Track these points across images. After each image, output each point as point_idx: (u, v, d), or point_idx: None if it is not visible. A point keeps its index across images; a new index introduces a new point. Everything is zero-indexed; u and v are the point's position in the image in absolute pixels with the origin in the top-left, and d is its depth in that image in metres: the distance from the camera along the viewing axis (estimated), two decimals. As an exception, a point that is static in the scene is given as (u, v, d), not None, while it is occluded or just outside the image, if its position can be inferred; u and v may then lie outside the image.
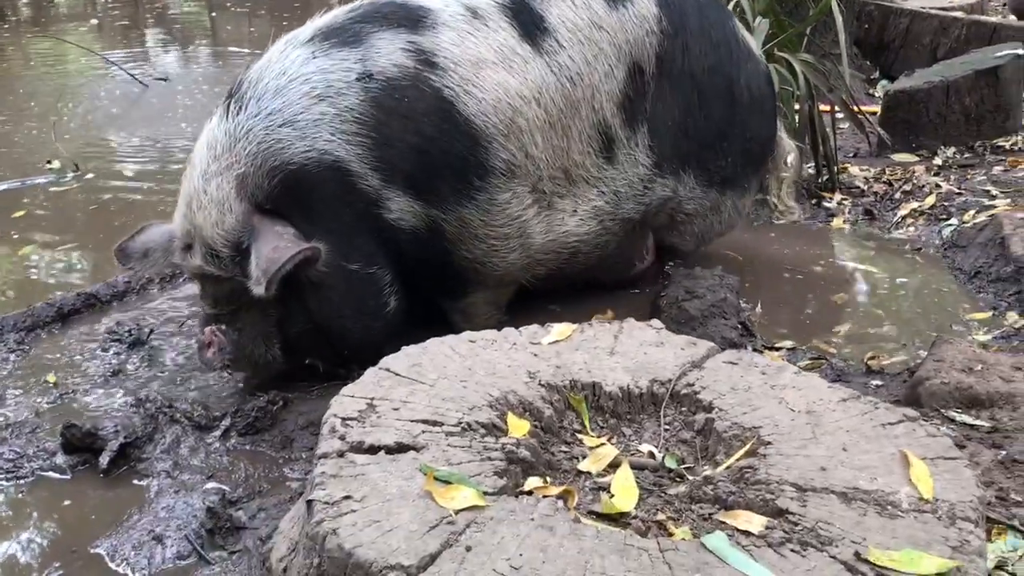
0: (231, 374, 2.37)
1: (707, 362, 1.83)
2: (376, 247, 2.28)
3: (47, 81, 6.16)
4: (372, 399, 1.65)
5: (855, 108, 3.56)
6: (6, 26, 8.45)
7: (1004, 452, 1.86)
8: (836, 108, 3.50)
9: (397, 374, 1.74)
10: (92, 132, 4.88)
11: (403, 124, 2.23)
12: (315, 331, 2.29)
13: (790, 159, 2.97)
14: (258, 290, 2.09)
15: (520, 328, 1.95)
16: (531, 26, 2.39)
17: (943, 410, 2.03)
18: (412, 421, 1.59)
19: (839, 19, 3.32)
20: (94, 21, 8.61)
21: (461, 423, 1.59)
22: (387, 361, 1.80)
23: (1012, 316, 2.61)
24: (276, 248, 2.10)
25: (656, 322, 2.02)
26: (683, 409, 1.73)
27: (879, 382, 2.25)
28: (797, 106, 3.37)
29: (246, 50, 6.81)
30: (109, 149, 4.58)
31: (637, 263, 2.83)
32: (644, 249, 2.83)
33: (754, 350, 2.48)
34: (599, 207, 2.55)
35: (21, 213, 3.70)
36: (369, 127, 2.19)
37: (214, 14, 9.36)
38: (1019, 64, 3.92)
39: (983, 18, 4.99)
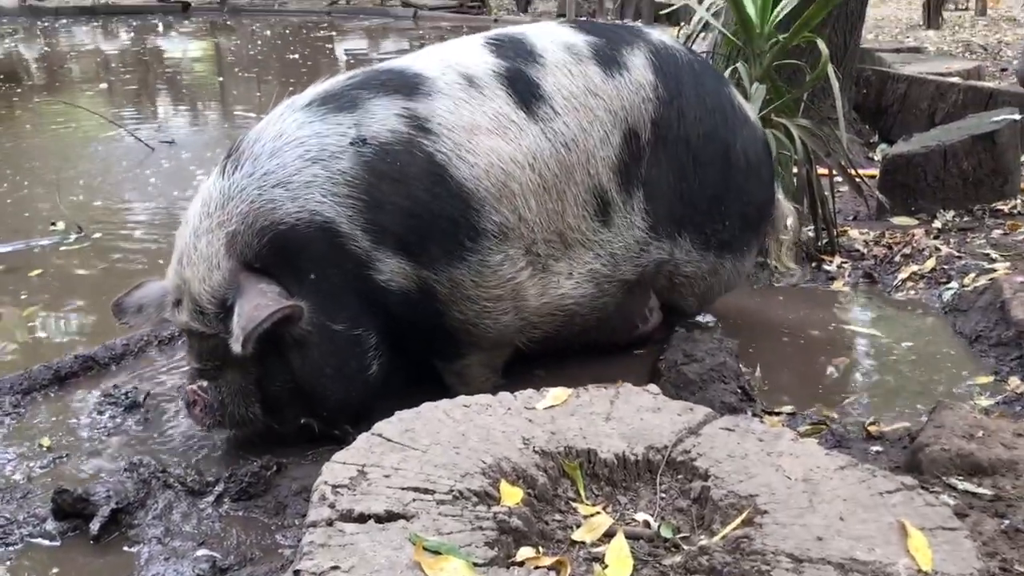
0: (215, 432, 2.37)
1: (704, 428, 1.82)
2: (362, 309, 2.30)
3: (55, 143, 6.24)
4: (363, 466, 1.64)
5: (853, 172, 3.58)
6: (19, 89, 8.59)
7: (1007, 521, 1.83)
8: (834, 172, 3.52)
9: (389, 440, 1.73)
10: (98, 194, 4.92)
11: (394, 187, 2.26)
12: (296, 391, 2.29)
13: (789, 222, 2.99)
14: (236, 347, 2.11)
15: (516, 392, 1.94)
16: (527, 94, 2.44)
17: (944, 477, 2.00)
18: (403, 489, 1.57)
19: (835, 85, 3.36)
20: (104, 85, 8.76)
21: (453, 491, 1.57)
22: (380, 426, 1.78)
23: (1014, 381, 2.59)
24: (257, 306, 2.12)
25: (653, 387, 2.01)
26: (679, 477, 1.71)
27: (879, 448, 2.22)
28: (796, 170, 3.39)
29: (252, 114, 6.90)
30: (114, 211, 4.62)
31: (639, 325, 2.82)
32: (646, 311, 2.82)
33: (754, 415, 2.46)
34: (595, 270, 2.57)
35: (28, 274, 3.72)
36: (360, 190, 2.23)
37: (222, 78, 9.53)
38: (1015, 128, 3.95)
39: (980, 83, 5.05)
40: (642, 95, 2.56)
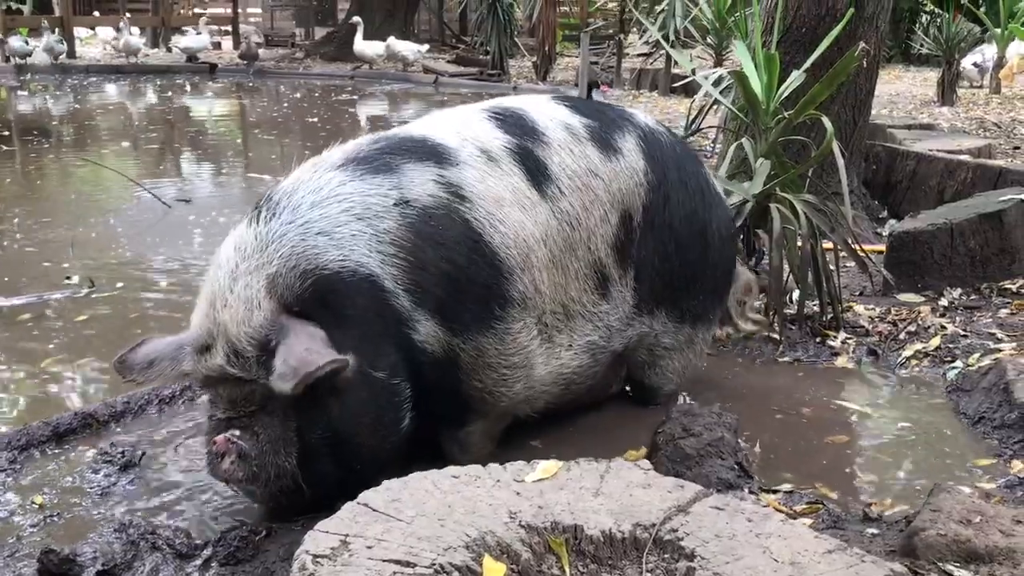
0: (235, 489, 2.30)
1: (694, 506, 1.80)
2: (399, 361, 2.29)
3: (75, 199, 6.35)
4: (347, 535, 1.63)
5: (857, 248, 3.59)
6: (46, 145, 8.77)
7: (1003, 612, 1.79)
8: (839, 248, 3.53)
9: (375, 509, 1.72)
10: (113, 250, 5.00)
11: (437, 251, 2.30)
12: (332, 442, 2.23)
13: (743, 281, 3.19)
14: (284, 386, 2.05)
15: (506, 464, 1.94)
16: (536, 172, 2.53)
17: (940, 563, 1.96)
18: (384, 561, 1.56)
19: (840, 161, 3.38)
20: (126, 143, 8.94)
21: (434, 565, 1.56)
22: (366, 495, 1.78)
23: (1017, 464, 2.56)
24: (310, 350, 2.08)
25: (645, 462, 2.00)
26: (666, 556, 1.69)
27: (875, 530, 2.19)
28: (800, 244, 3.40)
29: (267, 176, 7.02)
30: (128, 266, 4.68)
31: (613, 385, 2.99)
32: (620, 374, 2.97)
33: (750, 492, 2.43)
34: (593, 341, 2.66)
35: (41, 327, 3.76)
36: (406, 250, 2.26)
37: (241, 139, 9.71)
38: (1023, 208, 3.95)
39: (989, 162, 5.07)
40: (635, 180, 2.68)
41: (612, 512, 1.76)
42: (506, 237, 2.39)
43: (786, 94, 3.47)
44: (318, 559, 1.55)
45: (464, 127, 2.54)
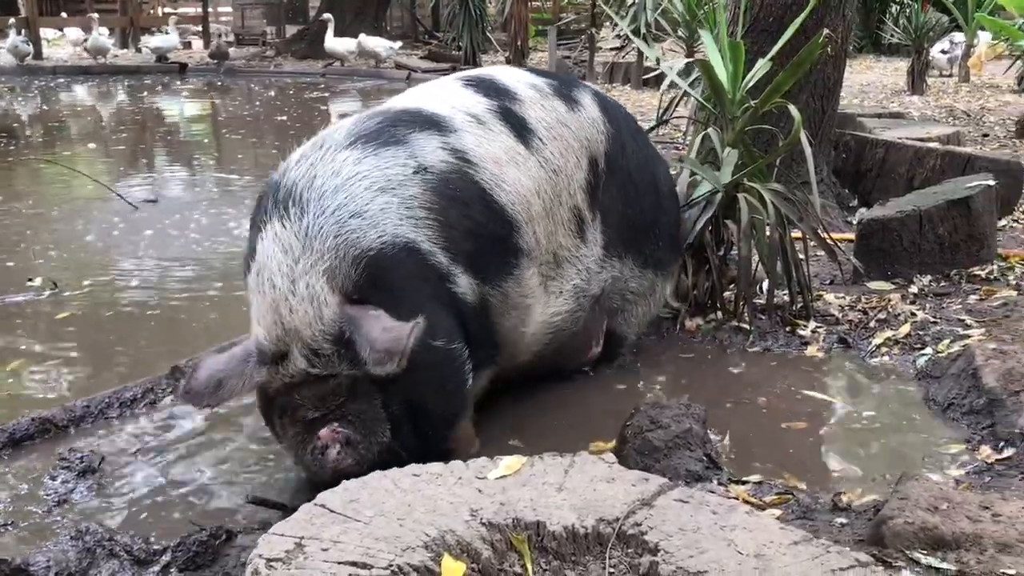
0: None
1: (658, 499, 1.77)
2: (452, 324, 2.37)
3: (39, 200, 6.24)
4: (302, 538, 1.59)
5: (826, 236, 3.58)
6: (11, 146, 8.63)
7: (970, 598, 1.78)
8: (808, 237, 3.51)
9: (332, 511, 1.68)
10: (77, 251, 4.92)
11: (459, 210, 2.42)
12: (409, 409, 2.29)
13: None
14: (386, 369, 2.09)
15: (468, 461, 1.90)
16: (520, 128, 2.69)
17: (908, 551, 1.94)
18: (340, 563, 1.52)
19: (808, 150, 3.36)
20: (92, 145, 8.81)
21: (392, 566, 1.52)
22: (324, 496, 1.74)
23: (985, 450, 2.55)
24: (387, 329, 2.12)
25: (609, 456, 1.97)
26: (629, 551, 1.66)
27: (844, 520, 2.17)
28: (768, 233, 3.38)
29: (235, 176, 6.94)
30: (92, 267, 4.60)
31: (594, 347, 3.08)
32: (600, 333, 3.08)
33: (719, 483, 2.41)
34: (577, 285, 2.85)
35: (5, 329, 3.68)
36: (434, 212, 2.35)
37: (206, 140, 9.60)
38: (991, 194, 3.96)
39: (957, 149, 5.08)
40: (597, 128, 2.92)
41: (575, 507, 1.73)
42: (510, 194, 2.56)
43: (752, 83, 3.44)
44: (271, 563, 1.51)
45: (448, 96, 2.67)
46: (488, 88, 2.73)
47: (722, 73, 3.43)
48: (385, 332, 2.11)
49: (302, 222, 2.23)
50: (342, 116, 11.05)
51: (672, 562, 1.57)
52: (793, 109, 3.28)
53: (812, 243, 3.65)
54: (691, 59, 3.75)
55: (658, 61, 3.75)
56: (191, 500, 2.36)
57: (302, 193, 2.27)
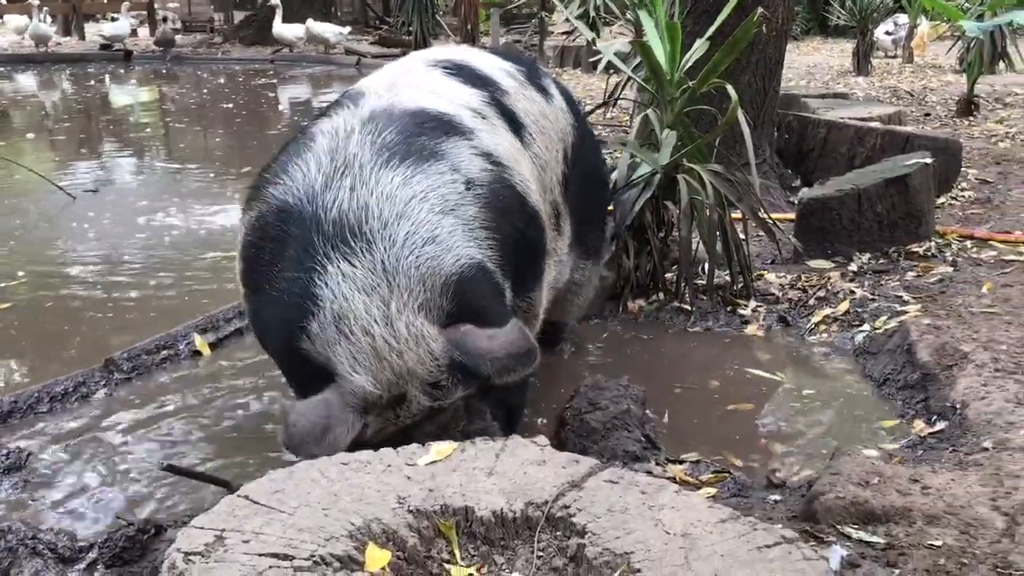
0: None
1: (588, 481, 1.76)
2: None
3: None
4: (223, 530, 1.56)
5: (765, 216, 3.60)
6: (-55, 139, 8.42)
7: (898, 571, 1.80)
8: (747, 217, 3.53)
9: (256, 502, 1.65)
10: (13, 243, 4.80)
11: (507, 222, 2.24)
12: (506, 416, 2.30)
13: None
14: (515, 373, 2.02)
15: (399, 448, 1.88)
16: (513, 122, 2.53)
17: (839, 526, 1.97)
18: (261, 555, 1.49)
19: (746, 130, 3.38)
20: (31, 135, 8.60)
21: (314, 556, 1.50)
22: (248, 488, 1.70)
23: (919, 424, 2.58)
24: (490, 336, 2.01)
25: (542, 438, 1.95)
26: (557, 534, 1.65)
27: (778, 497, 2.18)
28: (708, 214, 3.39)
29: (177, 164, 6.81)
30: (26, 261, 4.48)
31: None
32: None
33: (656, 463, 2.42)
34: (555, 277, 2.76)
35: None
36: (491, 230, 2.18)
37: (148, 129, 9.42)
38: (928, 172, 4.01)
39: (897, 128, 5.15)
40: (567, 119, 2.85)
41: (505, 491, 1.72)
42: (534, 194, 2.42)
43: (690, 63, 3.44)
44: (190, 557, 1.48)
45: (438, 88, 2.42)
46: (472, 77, 2.52)
47: (660, 54, 3.42)
48: (492, 340, 2.01)
49: (374, 257, 2.01)
50: (291, 102, 10.97)
51: (599, 543, 1.57)
52: (731, 89, 3.29)
53: (752, 223, 3.67)
54: (627, 40, 3.73)
55: (594, 42, 3.73)
56: (120, 495, 2.31)
57: (358, 224, 2.03)
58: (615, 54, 4.27)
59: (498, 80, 2.59)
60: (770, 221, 3.58)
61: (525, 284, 2.38)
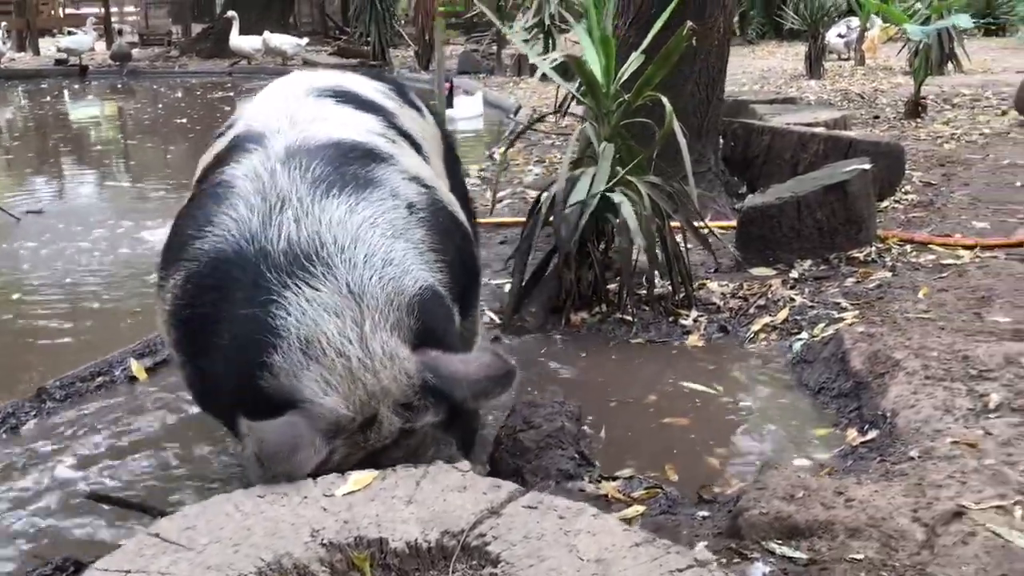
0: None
1: (507, 507, 1.75)
2: None
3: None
4: (128, 571, 1.53)
5: (703, 225, 3.61)
6: None
7: (818, 586, 1.80)
8: (683, 227, 3.55)
9: (165, 539, 1.62)
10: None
11: (450, 242, 2.23)
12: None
13: None
14: (492, 395, 2.02)
15: (317, 479, 1.86)
16: (413, 143, 2.53)
17: (763, 542, 1.97)
18: (164, 596, 1.47)
19: (683, 142, 3.38)
20: (-23, 154, 8.50)
21: (219, 596, 1.48)
22: (159, 525, 1.68)
23: (851, 433, 2.60)
24: (463, 360, 2.00)
25: (464, 464, 1.94)
26: (473, 563, 1.64)
27: (706, 513, 2.19)
28: (644, 225, 3.40)
29: (126, 183, 6.73)
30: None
31: None
32: None
33: (590, 480, 2.42)
34: None
35: None
36: (437, 252, 2.16)
37: (98, 147, 9.30)
38: (867, 177, 4.05)
39: (840, 133, 5.20)
40: (437, 131, 2.89)
41: (421, 521, 1.70)
42: (459, 211, 2.41)
43: (626, 76, 3.45)
44: (91, 601, 1.45)
45: (341, 118, 2.38)
46: (362, 103, 2.50)
47: (596, 67, 3.43)
48: (467, 364, 1.99)
49: (337, 279, 1.97)
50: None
51: (512, 573, 1.56)
52: (665, 101, 3.30)
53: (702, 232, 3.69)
54: (564, 54, 3.74)
55: (525, 55, 3.72)
56: (40, 530, 2.27)
57: (314, 251, 1.99)
58: (562, 64, 4.26)
59: (382, 103, 2.57)
60: (707, 231, 3.60)
61: (469, 303, 2.39)
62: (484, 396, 2.00)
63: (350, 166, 2.17)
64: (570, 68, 4.03)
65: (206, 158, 2.39)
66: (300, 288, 1.95)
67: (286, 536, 1.64)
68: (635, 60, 3.47)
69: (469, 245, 2.41)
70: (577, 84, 3.84)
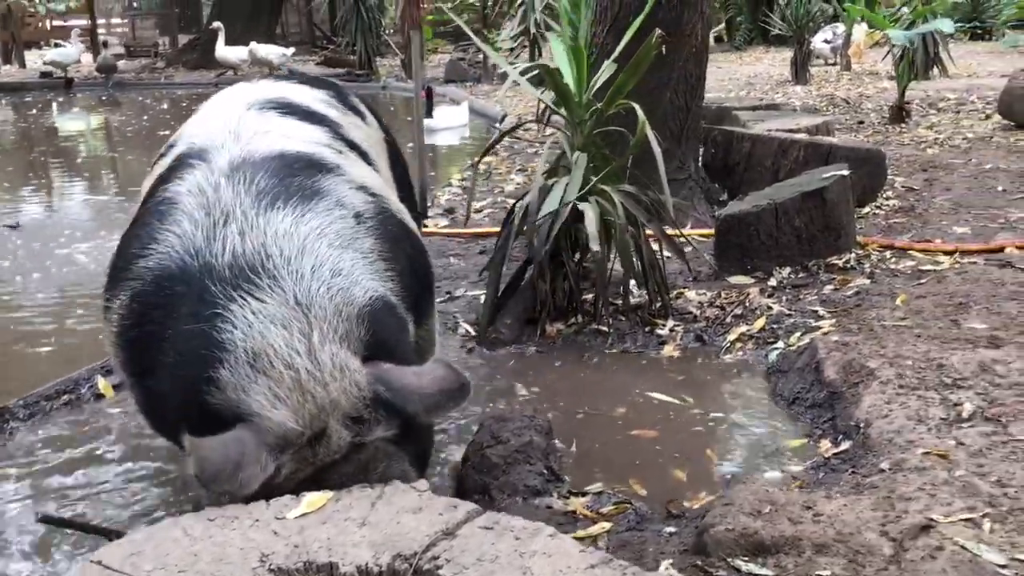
0: None
1: (462, 529, 1.71)
2: None
3: None
4: (66, 602, 1.49)
5: (677, 233, 3.58)
6: None
7: (783, 605, 1.76)
8: (656, 236, 3.51)
9: (108, 567, 1.58)
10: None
11: (401, 251, 2.20)
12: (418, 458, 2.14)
13: None
14: (445, 410, 2.01)
15: (271, 500, 1.81)
16: (359, 152, 2.49)
17: (729, 559, 1.93)
18: (101, 628, 1.42)
19: (657, 150, 3.34)
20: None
21: (159, 626, 1.43)
22: (103, 552, 1.63)
23: (825, 444, 2.56)
24: (418, 373, 1.95)
25: (422, 483, 1.90)
26: (424, 587, 1.60)
27: (673, 529, 2.15)
28: (618, 235, 3.37)
29: (105, 197, 6.67)
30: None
31: None
32: None
33: (559, 496, 2.38)
34: None
35: None
36: (388, 261, 2.13)
37: (79, 160, 9.25)
38: (845, 183, 4.02)
39: (821, 139, 5.17)
40: (382, 135, 2.87)
41: (374, 544, 1.66)
42: (409, 218, 2.40)
43: (598, 85, 3.42)
44: (24, 634, 1.41)
45: (285, 130, 2.34)
46: (305, 114, 2.46)
47: (568, 76, 3.40)
48: (420, 376, 1.95)
49: (284, 291, 1.93)
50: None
51: (463, 597, 1.52)
52: (638, 109, 3.26)
53: (681, 240, 3.65)
54: (534, 64, 3.71)
55: (493, 65, 3.68)
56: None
57: (259, 263, 1.95)
58: (508, 71, 4.16)
59: (325, 113, 2.54)
60: (683, 240, 3.56)
61: (424, 313, 2.35)
62: (437, 410, 1.97)
63: (295, 177, 2.14)
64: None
65: (149, 179, 2.35)
66: (246, 301, 1.92)
67: (234, 562, 1.60)
68: (607, 69, 3.44)
69: (420, 254, 2.37)
70: (532, 89, 3.82)
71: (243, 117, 2.32)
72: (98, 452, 2.80)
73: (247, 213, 2.04)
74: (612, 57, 3.46)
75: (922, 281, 3.64)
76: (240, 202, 2.05)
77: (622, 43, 3.45)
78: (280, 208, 2.06)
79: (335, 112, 2.59)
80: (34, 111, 13.50)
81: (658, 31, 3.14)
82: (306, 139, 2.31)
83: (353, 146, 2.47)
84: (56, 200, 7.15)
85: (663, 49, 3.18)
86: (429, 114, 8.86)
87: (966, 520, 1.94)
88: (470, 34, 4.12)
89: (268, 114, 2.38)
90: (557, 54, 3.53)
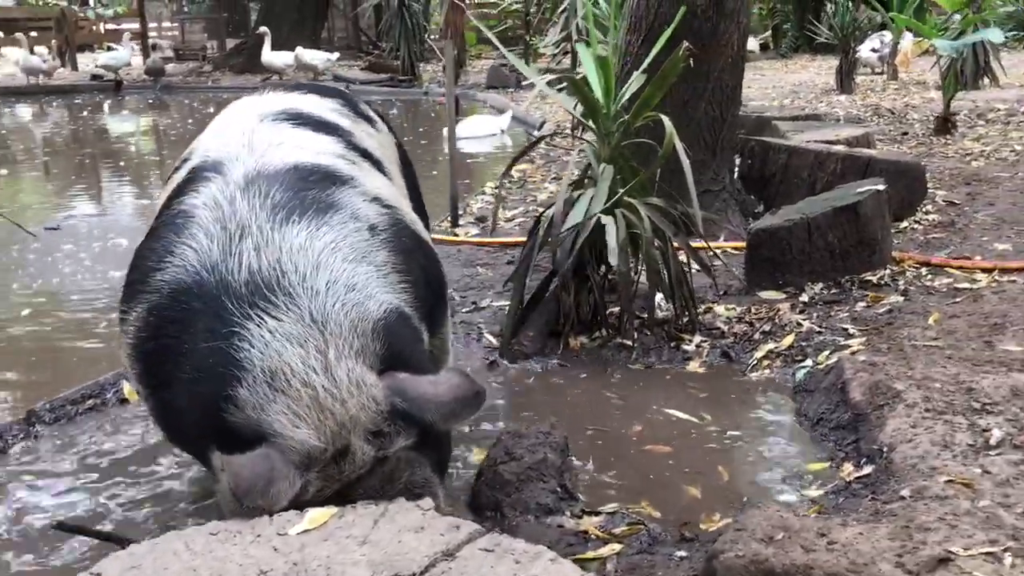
0: None
1: (463, 550, 1.69)
2: None
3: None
4: (62, 615, 1.49)
5: (704, 247, 3.53)
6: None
7: (791, 637, 1.72)
8: (683, 250, 3.46)
9: (106, 581, 1.58)
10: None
11: (414, 262, 2.22)
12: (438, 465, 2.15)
13: None
14: (461, 418, 2.03)
15: (275, 516, 1.81)
16: (373, 161, 2.49)
17: (738, 587, 1.89)
18: (94, 643, 1.42)
19: (686, 162, 3.30)
20: (3, 171, 8.59)
21: (151, 642, 1.43)
22: (103, 565, 1.64)
23: (847, 468, 2.50)
24: (431, 382, 1.95)
25: (426, 502, 1.89)
26: (420, 610, 1.58)
27: (685, 553, 2.11)
28: (645, 248, 3.33)
29: (148, 199, 6.76)
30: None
31: None
32: None
33: (572, 515, 2.35)
34: None
35: None
36: (401, 272, 2.14)
37: (122, 163, 9.40)
38: (881, 198, 3.94)
39: (858, 151, 5.07)
40: (391, 140, 2.85)
41: (372, 563, 1.65)
42: (422, 228, 2.43)
43: (627, 96, 3.38)
44: (17, 646, 1.41)
45: (300, 142, 2.35)
46: (318, 124, 2.46)
47: (597, 88, 3.37)
48: (435, 385, 1.95)
49: (300, 308, 1.94)
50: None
51: (457, 622, 1.50)
52: (667, 121, 3.23)
53: (709, 254, 3.60)
54: (561, 75, 3.68)
55: (520, 72, 3.67)
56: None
57: (275, 280, 1.96)
58: (535, 81, 4.09)
59: (337, 122, 2.53)
60: (711, 253, 3.51)
61: (437, 322, 2.37)
62: (453, 418, 1.97)
63: (310, 191, 2.14)
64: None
65: (164, 192, 2.37)
66: (263, 319, 1.93)
67: (231, 578, 1.59)
68: (636, 80, 3.41)
69: (433, 263, 2.38)
70: (560, 97, 3.80)
71: (256, 129, 2.31)
72: (120, 458, 2.82)
73: (263, 228, 2.04)
74: (641, 68, 3.42)
75: (957, 300, 3.55)
76: (255, 216, 2.06)
77: (651, 53, 3.41)
78: (295, 222, 2.07)
79: (347, 121, 2.59)
80: (85, 113, 13.77)
81: (686, 43, 3.10)
82: (319, 150, 2.31)
83: (366, 155, 2.47)
84: (97, 201, 7.27)
85: (691, 61, 3.14)
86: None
87: (986, 554, 1.87)
88: (498, 45, 4.11)
89: (281, 125, 2.37)
90: (585, 64, 3.50)
